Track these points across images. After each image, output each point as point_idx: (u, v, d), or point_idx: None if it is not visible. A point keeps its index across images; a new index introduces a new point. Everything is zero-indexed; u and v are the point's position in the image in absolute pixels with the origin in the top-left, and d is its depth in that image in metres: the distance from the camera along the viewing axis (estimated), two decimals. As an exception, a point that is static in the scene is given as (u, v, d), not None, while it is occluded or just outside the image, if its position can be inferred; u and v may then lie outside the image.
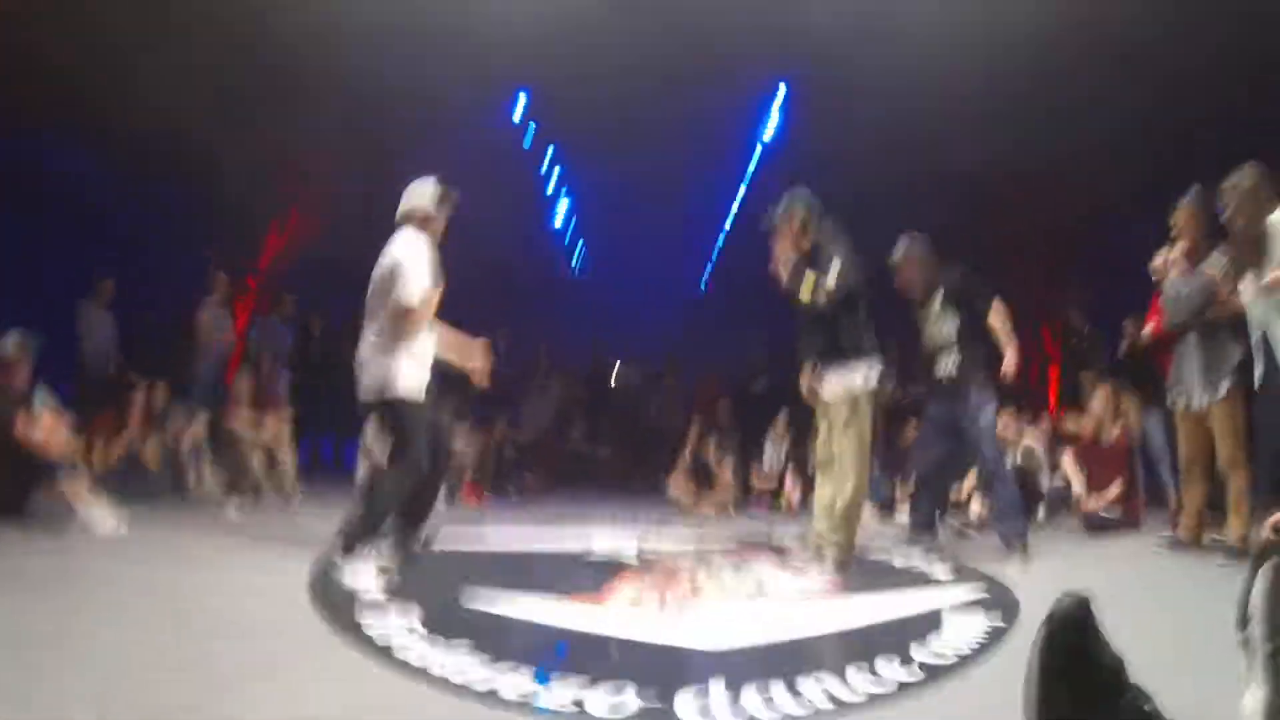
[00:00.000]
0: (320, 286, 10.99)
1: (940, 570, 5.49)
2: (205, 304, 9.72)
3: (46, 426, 5.86)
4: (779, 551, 6.07)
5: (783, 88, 12.80)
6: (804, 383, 5.73)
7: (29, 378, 6.05)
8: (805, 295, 5.34)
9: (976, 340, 5.93)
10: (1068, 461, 7.54)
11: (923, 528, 6.14)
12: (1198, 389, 5.74)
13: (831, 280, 5.32)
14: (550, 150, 14.79)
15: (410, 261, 4.95)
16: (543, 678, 3.01)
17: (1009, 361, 5.78)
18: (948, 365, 5.90)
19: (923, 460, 6.31)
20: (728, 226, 18.24)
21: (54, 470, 5.73)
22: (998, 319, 5.86)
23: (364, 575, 4.59)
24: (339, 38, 9.29)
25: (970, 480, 7.53)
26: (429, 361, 5.11)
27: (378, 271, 5.06)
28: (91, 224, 10.69)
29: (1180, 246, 5.94)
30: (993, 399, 5.92)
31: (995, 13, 8.78)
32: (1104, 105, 9.76)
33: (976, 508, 7.39)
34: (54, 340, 8.24)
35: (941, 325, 5.95)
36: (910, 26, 9.39)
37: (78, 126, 9.92)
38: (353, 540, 4.77)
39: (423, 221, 5.15)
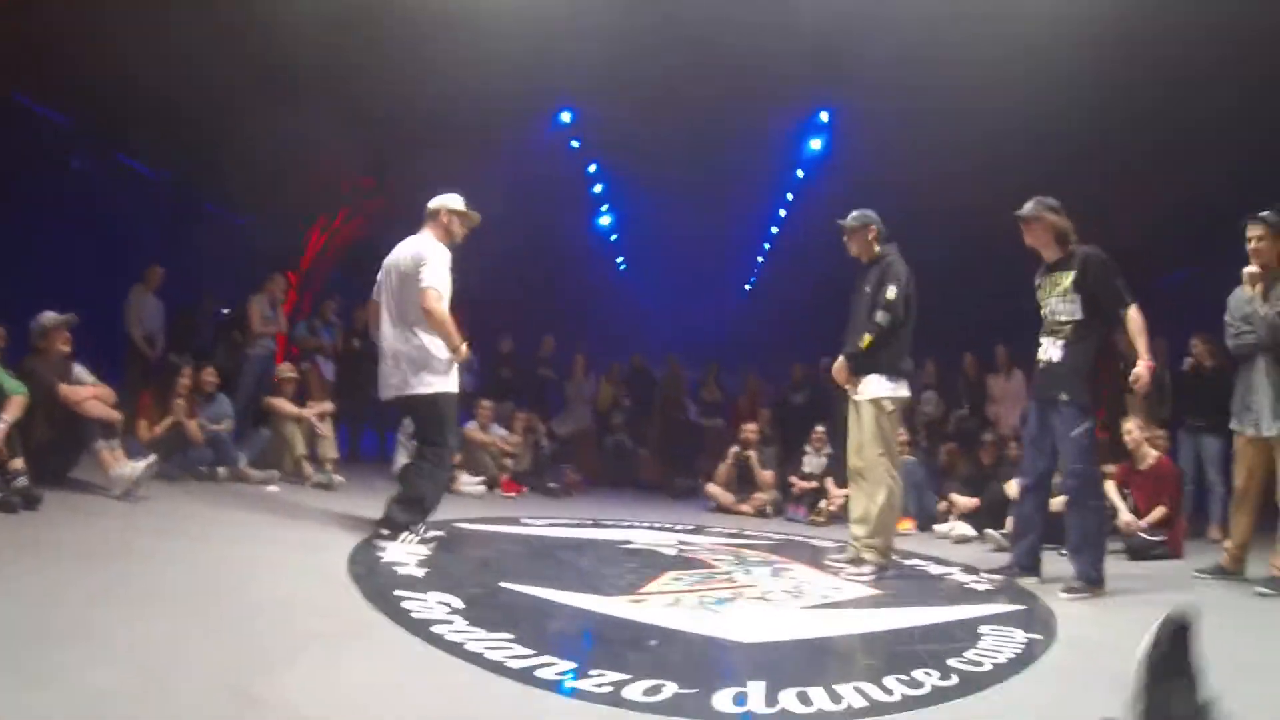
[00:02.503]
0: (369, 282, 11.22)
1: (978, 583, 5.50)
2: (255, 300, 9.86)
3: (89, 392, 5.93)
4: (817, 557, 6.10)
5: (825, 115, 12.81)
6: (837, 371, 5.72)
7: (69, 350, 6.08)
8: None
9: (1091, 338, 5.26)
10: (1109, 487, 7.24)
11: (1025, 565, 5.54)
12: (1267, 416, 5.47)
13: (892, 292, 5.45)
14: (593, 167, 14.91)
15: (433, 254, 5.33)
16: (579, 661, 3.05)
17: (1141, 369, 5.07)
18: (1051, 351, 5.32)
19: (1028, 483, 5.63)
20: (769, 244, 18.37)
21: (95, 437, 5.82)
22: (1135, 324, 5.12)
23: (403, 553, 4.78)
24: (391, 48, 9.40)
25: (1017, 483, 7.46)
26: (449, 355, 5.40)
27: (394, 265, 5.45)
28: (143, 220, 10.95)
29: (1256, 265, 5.54)
30: (1089, 413, 5.22)
31: (1034, 37, 8.67)
32: (1146, 130, 9.62)
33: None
34: (102, 325, 8.44)
35: (1064, 304, 5.28)
36: (950, 51, 9.31)
37: (140, 135, 10.24)
38: (399, 527, 5.16)
39: (446, 223, 5.54)
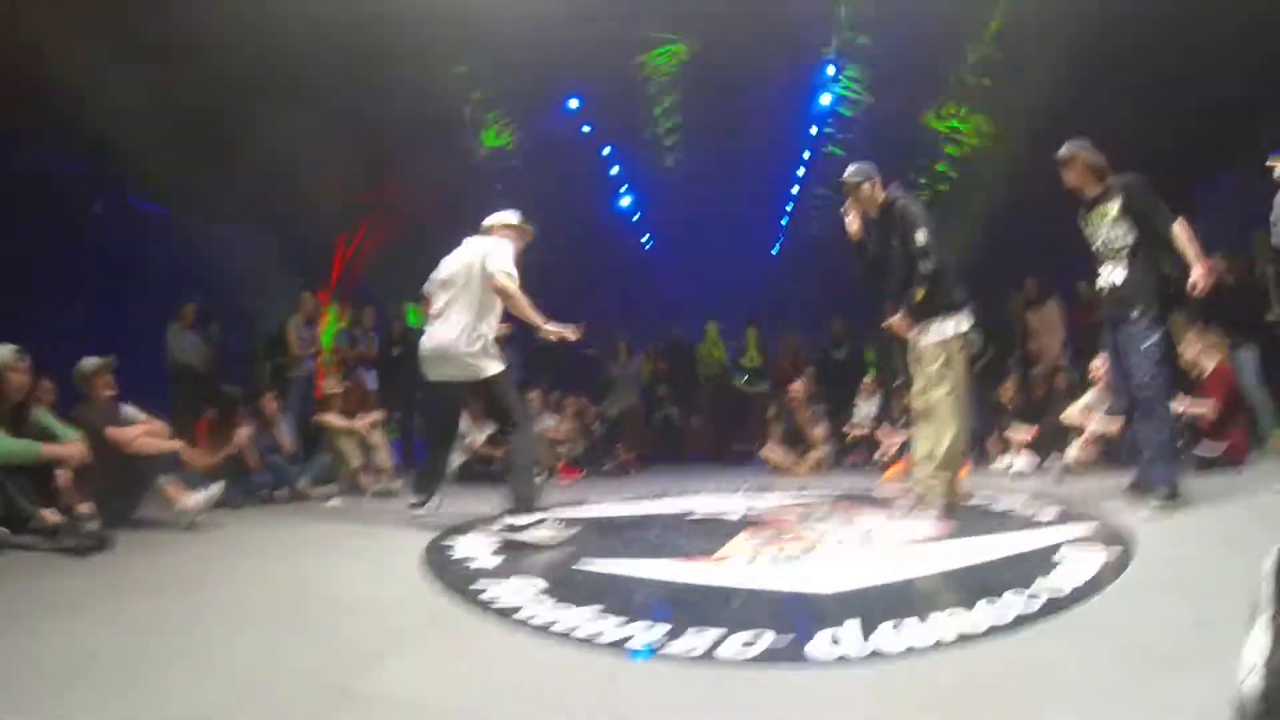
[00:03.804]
0: (398, 290, 11.22)
1: (1045, 512, 5.46)
2: (291, 322, 9.97)
3: (138, 430, 5.99)
4: (883, 502, 6.08)
5: (831, 69, 12.69)
6: (898, 327, 5.70)
7: (112, 393, 6.16)
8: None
9: (1150, 258, 5.35)
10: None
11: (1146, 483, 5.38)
12: None
13: (922, 236, 5.40)
14: (608, 148, 14.86)
15: (501, 250, 5.53)
16: (667, 628, 3.08)
17: (1197, 273, 5.05)
18: (1114, 275, 5.36)
19: (1124, 405, 5.61)
20: (792, 203, 18.20)
21: (156, 473, 5.91)
22: (1182, 236, 5.15)
23: (475, 547, 4.86)
24: (397, 49, 9.42)
25: (1076, 411, 7.42)
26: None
27: (461, 265, 5.58)
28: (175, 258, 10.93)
29: None
30: (1158, 325, 5.26)
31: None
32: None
33: (1083, 446, 7.12)
34: (144, 363, 8.53)
35: (1116, 230, 5.33)
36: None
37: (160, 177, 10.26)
38: (530, 499, 5.29)
39: (506, 235, 5.75)
